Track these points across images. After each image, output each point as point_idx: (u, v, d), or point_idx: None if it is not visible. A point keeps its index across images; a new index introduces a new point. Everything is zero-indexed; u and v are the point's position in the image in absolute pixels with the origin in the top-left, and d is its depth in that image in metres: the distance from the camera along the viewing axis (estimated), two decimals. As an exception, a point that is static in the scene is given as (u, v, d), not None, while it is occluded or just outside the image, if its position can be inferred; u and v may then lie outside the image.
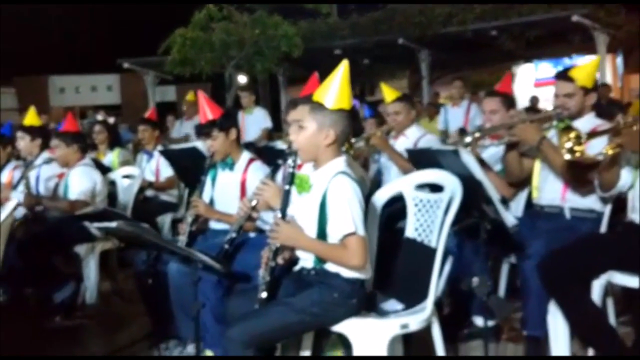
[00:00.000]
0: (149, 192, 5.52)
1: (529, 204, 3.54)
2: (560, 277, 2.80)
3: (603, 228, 3.19)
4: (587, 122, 3.25)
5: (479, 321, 3.44)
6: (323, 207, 2.39)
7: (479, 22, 12.23)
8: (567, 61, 19.67)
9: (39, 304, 4.01)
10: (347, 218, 2.31)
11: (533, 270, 2.96)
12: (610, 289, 2.95)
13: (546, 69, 21.43)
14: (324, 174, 2.43)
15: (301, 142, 2.43)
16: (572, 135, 2.62)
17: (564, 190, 3.26)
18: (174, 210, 5.52)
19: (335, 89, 2.40)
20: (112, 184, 4.89)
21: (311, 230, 2.43)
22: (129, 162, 5.84)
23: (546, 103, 10.72)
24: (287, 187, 2.48)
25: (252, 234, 3.31)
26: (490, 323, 3.36)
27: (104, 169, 5.08)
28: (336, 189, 2.36)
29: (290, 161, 2.49)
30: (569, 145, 2.62)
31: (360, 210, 2.35)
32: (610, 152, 2.62)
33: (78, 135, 4.57)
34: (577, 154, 2.60)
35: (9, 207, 2.43)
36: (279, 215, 2.46)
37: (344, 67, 2.42)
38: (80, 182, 4.29)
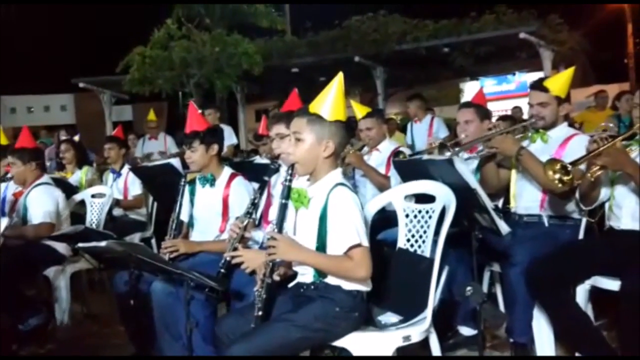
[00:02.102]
0: (117, 211, 5.39)
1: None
2: (546, 283, 2.86)
3: (581, 234, 3.30)
4: (561, 131, 3.37)
5: (464, 330, 3.49)
6: (323, 220, 2.36)
7: (432, 39, 12.55)
8: (510, 78, 20.57)
9: (9, 332, 3.81)
10: (351, 229, 2.28)
11: (518, 277, 3.03)
12: (589, 294, 3.04)
13: (491, 85, 22.31)
14: (322, 187, 2.40)
15: (299, 154, 2.39)
16: (558, 167, 2.72)
17: (542, 198, 3.35)
18: (142, 230, 5.39)
19: (331, 100, 2.38)
20: (80, 203, 4.74)
21: (310, 245, 2.39)
22: (94, 181, 5.69)
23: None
24: (283, 200, 2.45)
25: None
26: (473, 332, 3.43)
27: (71, 189, 4.92)
28: (337, 201, 2.34)
29: (286, 174, 2.47)
30: (557, 177, 2.72)
31: (362, 220, 2.33)
32: (594, 174, 2.73)
33: (35, 152, 4.37)
34: (568, 182, 2.70)
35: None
36: (275, 229, 2.42)
37: (339, 78, 2.41)
38: (42, 202, 4.09)
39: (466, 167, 2.72)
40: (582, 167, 2.84)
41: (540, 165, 3.21)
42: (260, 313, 2.39)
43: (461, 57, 13.14)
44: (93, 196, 4.83)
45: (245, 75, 12.38)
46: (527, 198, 3.41)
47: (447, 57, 13.14)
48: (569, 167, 2.71)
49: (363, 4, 13.37)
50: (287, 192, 2.44)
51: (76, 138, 7.04)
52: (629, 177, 2.79)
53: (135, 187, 5.37)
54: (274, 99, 15.99)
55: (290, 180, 2.45)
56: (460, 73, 15.55)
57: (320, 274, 2.39)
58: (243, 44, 11.70)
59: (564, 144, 3.27)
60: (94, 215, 4.73)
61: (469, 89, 18.17)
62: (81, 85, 14.90)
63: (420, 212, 2.81)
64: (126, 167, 5.49)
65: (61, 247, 4.10)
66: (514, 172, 3.48)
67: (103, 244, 2.44)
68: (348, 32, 13.23)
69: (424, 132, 7.52)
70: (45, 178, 4.33)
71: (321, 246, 2.38)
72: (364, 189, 4.49)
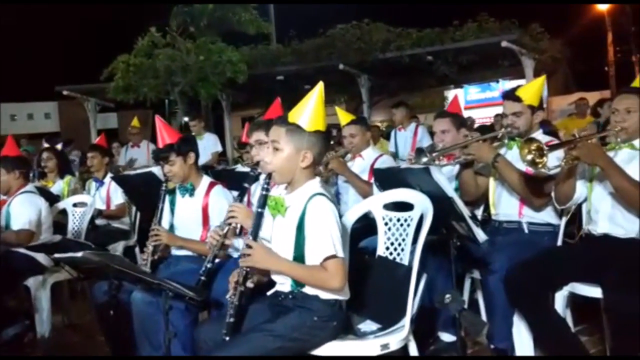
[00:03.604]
0: (100, 220, 5.35)
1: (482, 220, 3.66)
2: (524, 290, 2.89)
3: (559, 240, 3.34)
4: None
5: (444, 337, 3.50)
6: (300, 229, 2.36)
7: (416, 47, 12.67)
8: (494, 85, 20.78)
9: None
10: (327, 240, 2.28)
11: (497, 284, 3.06)
12: (568, 300, 3.07)
13: (475, 93, 22.56)
14: (300, 196, 2.40)
15: (277, 164, 2.38)
16: (534, 147, 2.70)
17: (520, 206, 3.38)
18: (126, 238, 5.36)
19: (310, 110, 2.36)
20: (62, 212, 4.71)
21: (287, 254, 2.39)
22: (76, 190, 5.64)
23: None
24: (259, 209, 2.44)
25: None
26: (453, 338, 3.44)
27: (52, 198, 4.88)
28: (314, 211, 2.33)
29: (263, 183, 2.47)
30: (530, 157, 2.72)
31: (339, 231, 2.33)
32: (568, 165, 2.74)
33: (19, 160, 4.37)
34: (540, 166, 2.69)
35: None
36: (250, 237, 2.41)
37: (319, 88, 2.40)
38: (24, 210, 4.08)
39: (444, 176, 2.74)
40: (559, 155, 2.84)
41: (515, 172, 3.26)
42: (232, 320, 2.37)
43: (444, 65, 13.30)
44: (75, 205, 4.80)
45: (231, 83, 12.41)
46: (505, 205, 3.44)
47: (431, 65, 13.28)
48: (545, 150, 2.69)
49: (348, 2, 13.42)
50: (264, 201, 2.44)
51: (58, 147, 6.96)
52: (603, 173, 2.80)
53: (117, 196, 5.34)
54: (260, 107, 16.04)
55: (267, 189, 2.45)
56: (443, 81, 15.70)
57: (298, 283, 2.39)
58: (227, 52, 11.76)
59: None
60: (76, 225, 4.70)
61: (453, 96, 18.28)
62: (65, 92, 14.85)
63: (398, 220, 2.83)
64: (109, 176, 5.46)
65: (42, 257, 4.07)
66: (492, 180, 3.52)
67: (79, 254, 2.43)
68: (332, 40, 13.34)
69: (408, 139, 7.56)
70: (30, 187, 4.35)
71: (299, 256, 2.37)
72: (346, 195, 4.51)
